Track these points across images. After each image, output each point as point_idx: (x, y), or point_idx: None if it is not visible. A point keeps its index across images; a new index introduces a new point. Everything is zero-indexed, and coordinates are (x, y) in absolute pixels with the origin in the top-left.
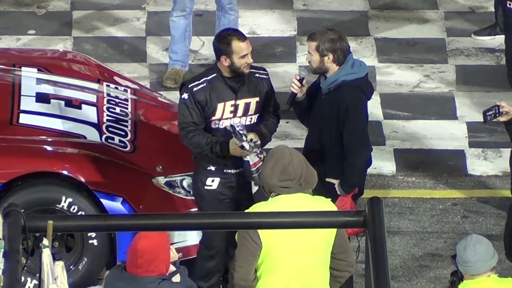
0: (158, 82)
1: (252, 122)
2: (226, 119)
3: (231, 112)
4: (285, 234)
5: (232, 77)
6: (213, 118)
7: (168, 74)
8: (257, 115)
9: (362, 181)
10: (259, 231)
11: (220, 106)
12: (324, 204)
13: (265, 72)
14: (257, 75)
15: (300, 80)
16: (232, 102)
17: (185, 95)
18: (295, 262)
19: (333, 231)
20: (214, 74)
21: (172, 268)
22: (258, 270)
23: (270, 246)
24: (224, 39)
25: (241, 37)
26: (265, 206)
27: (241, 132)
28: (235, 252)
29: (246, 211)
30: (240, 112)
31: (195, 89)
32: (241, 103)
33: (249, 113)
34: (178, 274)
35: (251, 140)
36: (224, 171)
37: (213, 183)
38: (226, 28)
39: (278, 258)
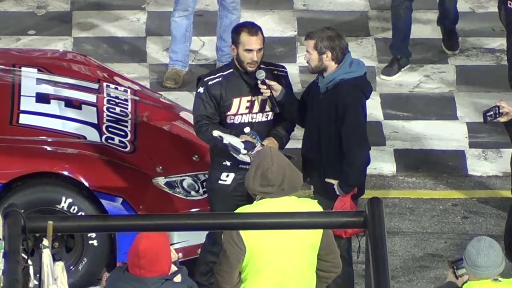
0: (158, 82)
1: (269, 118)
2: (242, 114)
3: (246, 108)
4: (269, 237)
5: (249, 73)
6: (228, 113)
7: (168, 74)
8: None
9: (362, 181)
10: (243, 235)
11: (235, 101)
12: (310, 205)
13: (284, 70)
14: (276, 72)
15: (263, 82)
16: (249, 98)
17: (201, 89)
18: (280, 265)
19: (319, 232)
20: (231, 70)
21: (173, 268)
22: (243, 273)
23: (255, 249)
24: (237, 29)
25: (252, 31)
26: (251, 209)
27: (236, 146)
28: (219, 257)
29: (233, 212)
30: (256, 108)
31: (210, 82)
32: (258, 99)
33: (265, 110)
34: (179, 275)
35: (250, 150)
36: (240, 166)
37: (227, 178)
38: (245, 21)
39: (263, 261)
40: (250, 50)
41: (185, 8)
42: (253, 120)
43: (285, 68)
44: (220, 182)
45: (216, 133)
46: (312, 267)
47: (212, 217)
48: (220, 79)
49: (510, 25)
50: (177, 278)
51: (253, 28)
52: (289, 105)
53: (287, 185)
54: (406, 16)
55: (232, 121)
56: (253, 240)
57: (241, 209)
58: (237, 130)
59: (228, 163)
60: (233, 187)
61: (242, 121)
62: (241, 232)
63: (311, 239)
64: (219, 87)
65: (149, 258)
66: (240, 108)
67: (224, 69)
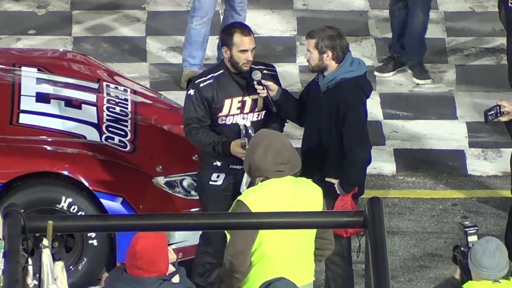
0: (158, 82)
1: (260, 118)
2: (233, 115)
3: (238, 108)
4: None
5: (240, 73)
6: (220, 114)
7: (185, 77)
8: (265, 111)
9: (362, 180)
10: None
11: (227, 102)
12: (308, 184)
13: (273, 69)
14: (265, 71)
15: (259, 83)
16: (240, 98)
17: (192, 91)
18: (287, 246)
19: None
20: (221, 71)
21: (171, 268)
22: (252, 256)
23: (266, 232)
24: (228, 31)
25: (245, 31)
26: (257, 191)
27: (250, 133)
28: (229, 241)
29: (238, 198)
30: (247, 108)
31: (201, 85)
32: (249, 99)
33: (256, 110)
34: (177, 275)
35: None
36: (230, 167)
37: (218, 178)
38: (235, 22)
39: (271, 244)
40: (245, 51)
41: (204, 15)
42: (244, 121)
43: (275, 67)
44: (211, 183)
45: (242, 122)
46: (312, 246)
47: (212, 217)
48: (211, 80)
49: (510, 25)
50: (175, 279)
51: (245, 29)
52: (285, 104)
53: (293, 164)
54: (401, 16)
55: (223, 122)
56: None
57: (248, 191)
58: (229, 130)
59: (219, 164)
60: (224, 187)
61: (234, 121)
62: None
63: None
64: (211, 89)
65: (147, 258)
66: (232, 109)
67: (214, 70)
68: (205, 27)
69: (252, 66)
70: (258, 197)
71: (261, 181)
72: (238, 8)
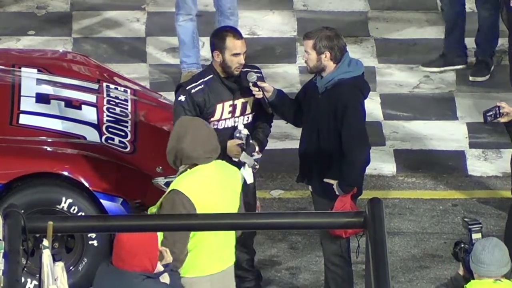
0: (158, 82)
1: (249, 121)
2: (225, 119)
3: (229, 112)
4: (214, 202)
5: (229, 77)
6: (212, 119)
7: (184, 78)
8: (253, 113)
9: (360, 181)
10: (193, 202)
11: (219, 106)
12: (225, 165)
13: (259, 70)
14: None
15: (254, 84)
16: (230, 102)
17: (182, 97)
18: (220, 232)
19: (239, 194)
20: (211, 75)
21: (159, 267)
22: (189, 243)
23: None
24: (220, 35)
25: (237, 35)
26: (189, 178)
27: (252, 143)
28: (166, 232)
29: (172, 187)
30: (238, 112)
31: (193, 90)
32: (239, 102)
33: (246, 113)
34: (166, 274)
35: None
36: None
37: None
38: (225, 26)
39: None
40: (237, 54)
41: (188, 12)
42: (236, 124)
43: (260, 69)
44: None
45: (241, 127)
46: None
47: (213, 217)
48: (202, 86)
49: (511, 25)
50: (164, 279)
51: (236, 32)
52: (281, 105)
53: (219, 148)
54: (450, 9)
55: (215, 126)
56: (202, 206)
57: (180, 180)
58: (221, 134)
59: None
60: None
61: (226, 126)
62: (191, 199)
63: (238, 201)
64: (202, 94)
65: (129, 249)
66: (224, 113)
67: (203, 75)
68: (191, 23)
69: None
70: (191, 184)
71: (189, 167)
72: (227, 14)
